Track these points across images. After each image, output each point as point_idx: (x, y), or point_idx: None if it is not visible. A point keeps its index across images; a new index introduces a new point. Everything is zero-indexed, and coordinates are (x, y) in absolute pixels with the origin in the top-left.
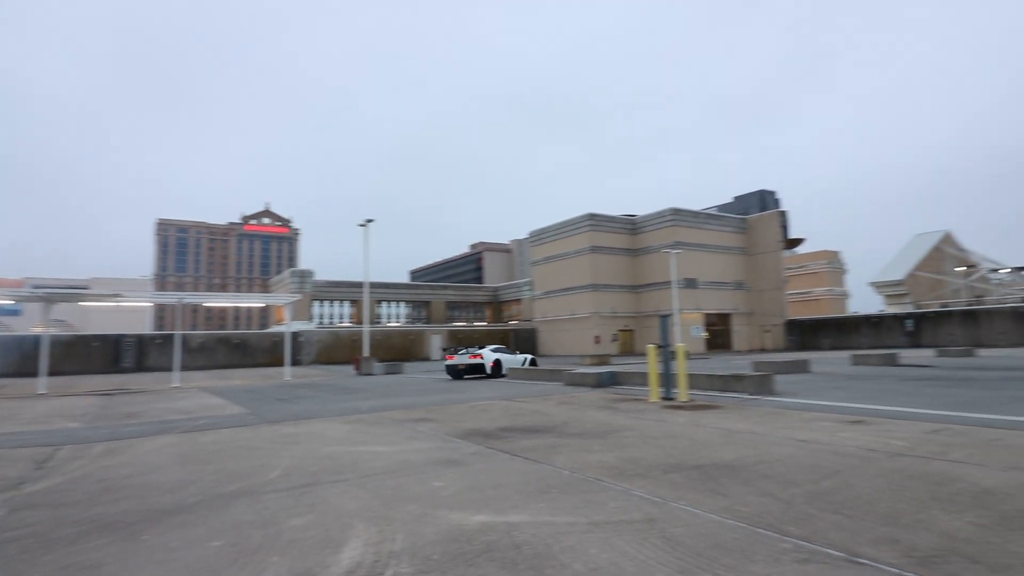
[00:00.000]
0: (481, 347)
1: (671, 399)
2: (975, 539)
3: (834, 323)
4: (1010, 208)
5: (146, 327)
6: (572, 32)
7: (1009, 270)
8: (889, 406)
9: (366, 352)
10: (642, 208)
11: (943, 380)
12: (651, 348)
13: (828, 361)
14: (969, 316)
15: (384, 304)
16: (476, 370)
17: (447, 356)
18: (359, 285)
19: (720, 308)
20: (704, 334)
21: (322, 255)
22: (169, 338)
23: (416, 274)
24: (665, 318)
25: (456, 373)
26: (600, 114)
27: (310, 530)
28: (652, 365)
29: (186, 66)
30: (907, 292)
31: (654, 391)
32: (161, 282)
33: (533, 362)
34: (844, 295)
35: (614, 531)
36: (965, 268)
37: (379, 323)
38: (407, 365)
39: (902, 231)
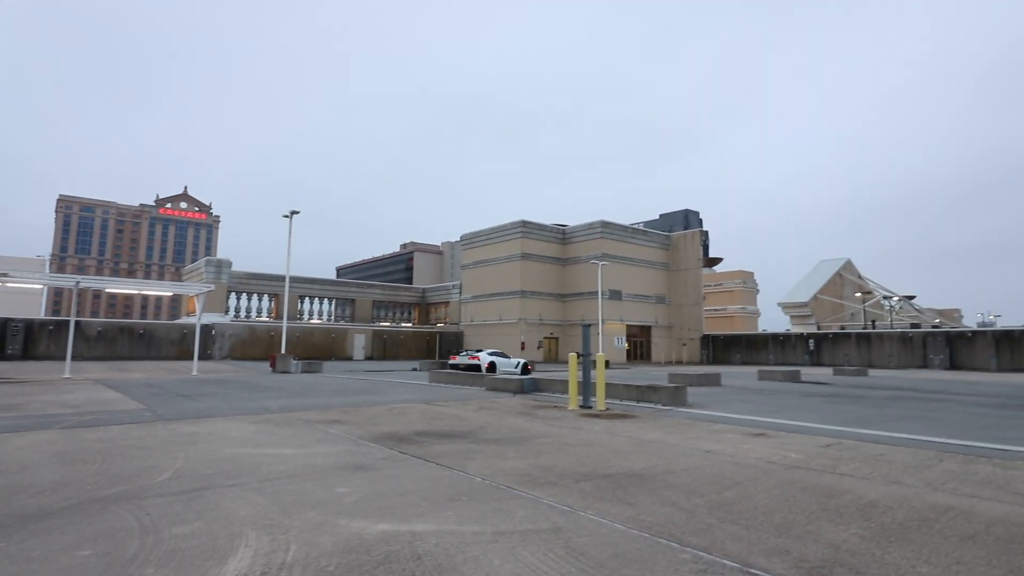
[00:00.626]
0: (479, 350)
1: (589, 407)
2: (858, 550)
3: (745, 340)
4: (902, 238)
5: (40, 312)
6: (520, 45)
7: (899, 298)
8: (789, 420)
9: (283, 349)
10: (571, 220)
11: (838, 397)
12: (572, 356)
13: (738, 375)
14: (863, 339)
15: (307, 300)
16: (474, 369)
17: (451, 356)
18: (280, 278)
19: (642, 320)
20: (626, 345)
21: (243, 246)
22: (63, 324)
23: (343, 271)
24: (587, 327)
25: (464, 369)
26: (538, 127)
27: (195, 539)
28: (572, 373)
29: (109, 44)
30: (811, 314)
31: (573, 399)
32: (60, 264)
33: (527, 366)
34: (755, 313)
35: (520, 541)
36: (862, 294)
37: (300, 319)
38: (327, 364)
39: (811, 255)
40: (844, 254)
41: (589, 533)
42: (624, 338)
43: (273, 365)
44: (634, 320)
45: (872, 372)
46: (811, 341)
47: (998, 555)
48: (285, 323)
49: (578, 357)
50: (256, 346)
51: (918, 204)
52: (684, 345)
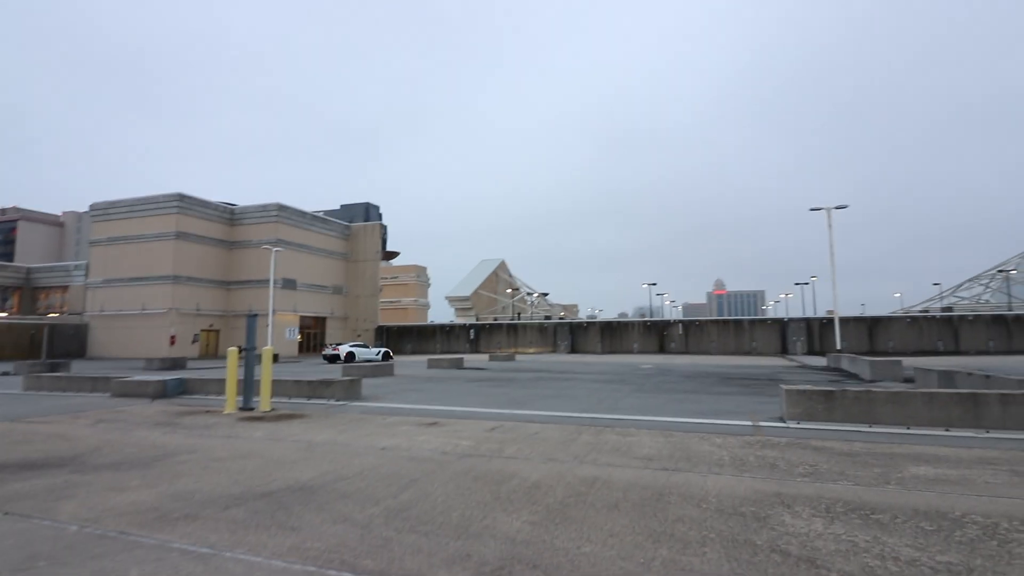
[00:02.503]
0: (340, 343)
1: (251, 409)
2: (532, 539)
3: (416, 330)
4: (541, 245)
5: None
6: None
7: (537, 294)
8: (458, 407)
9: None
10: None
11: (495, 381)
12: (232, 352)
13: (410, 364)
14: (512, 328)
15: None
16: (333, 360)
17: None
18: None
19: (317, 311)
20: (298, 337)
21: None
22: None
23: None
24: (252, 318)
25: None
26: (220, 105)
27: None
28: (231, 371)
29: None
30: (472, 306)
31: (231, 401)
32: None
33: (387, 355)
34: (427, 305)
35: None
36: (511, 291)
37: None
38: None
39: (474, 256)
40: (500, 255)
41: None
42: (297, 329)
43: None
44: (309, 311)
45: (519, 357)
46: (472, 331)
47: (638, 520)
48: None
49: (240, 352)
50: None
51: (551, 220)
52: (359, 336)
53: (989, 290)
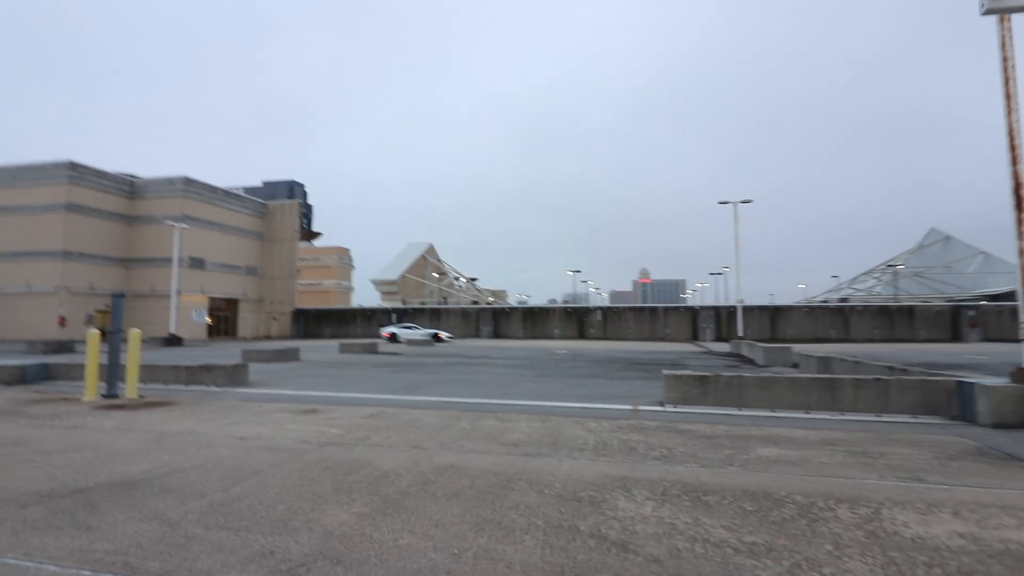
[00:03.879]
0: (387, 325)
1: (116, 397)
2: (350, 533)
3: (336, 314)
4: (469, 229)
5: None
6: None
7: (465, 279)
8: (348, 392)
9: None
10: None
11: (402, 366)
12: (93, 334)
13: (322, 349)
14: (435, 313)
15: None
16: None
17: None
18: None
19: (229, 293)
20: (207, 320)
21: None
22: None
23: None
24: (118, 298)
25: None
26: (138, 77)
27: None
28: (91, 355)
29: None
30: (398, 291)
31: (91, 387)
32: None
33: (435, 336)
34: (350, 288)
35: None
36: (438, 275)
37: None
38: None
39: (403, 239)
40: (428, 240)
41: None
42: (205, 312)
43: None
44: (219, 292)
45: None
46: (394, 315)
47: (472, 509)
48: None
49: (103, 335)
50: None
51: (477, 207)
52: (275, 319)
53: (880, 283)
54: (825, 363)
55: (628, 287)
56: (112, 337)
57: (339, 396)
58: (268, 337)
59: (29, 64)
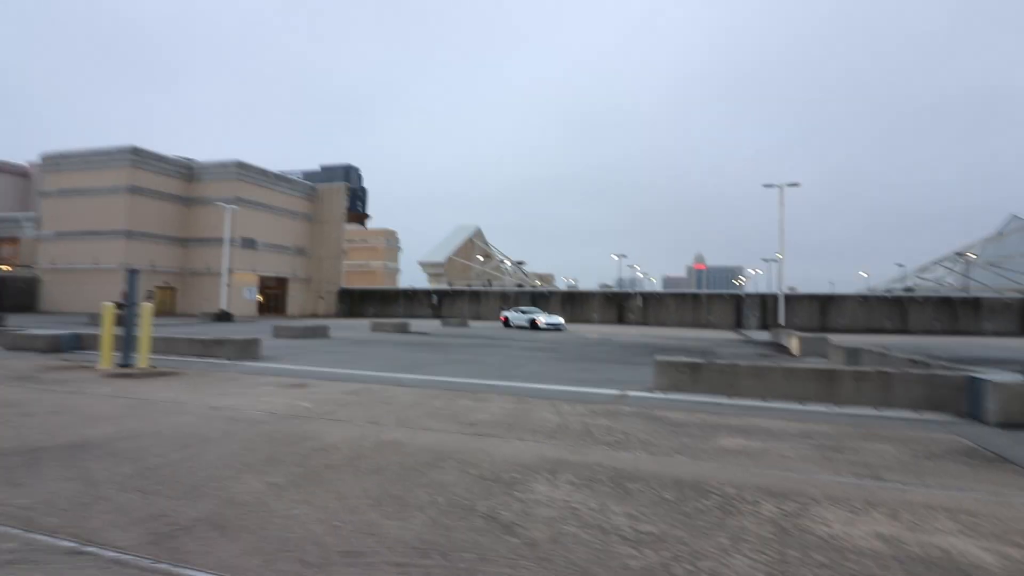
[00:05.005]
0: (504, 310)
1: (128, 366)
2: (250, 502)
3: (379, 294)
4: (523, 215)
5: None
6: None
7: (511, 263)
8: (350, 369)
9: None
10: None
11: (423, 345)
12: (107, 307)
13: (356, 327)
14: (474, 295)
15: None
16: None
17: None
18: None
19: (278, 272)
20: (258, 297)
21: None
22: None
23: None
24: (133, 274)
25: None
26: (209, 76)
27: None
28: (106, 327)
29: None
30: (444, 273)
31: (106, 357)
32: None
33: (533, 323)
34: (396, 270)
35: None
36: (483, 258)
37: None
38: None
39: (454, 221)
40: (477, 223)
41: None
42: (256, 289)
43: None
44: (269, 271)
45: (477, 324)
46: (435, 296)
47: (385, 484)
48: None
49: (118, 307)
50: None
51: (527, 192)
52: (322, 298)
53: (951, 272)
54: (854, 354)
55: (682, 273)
56: (128, 311)
57: (338, 372)
58: (315, 315)
59: (107, 61)
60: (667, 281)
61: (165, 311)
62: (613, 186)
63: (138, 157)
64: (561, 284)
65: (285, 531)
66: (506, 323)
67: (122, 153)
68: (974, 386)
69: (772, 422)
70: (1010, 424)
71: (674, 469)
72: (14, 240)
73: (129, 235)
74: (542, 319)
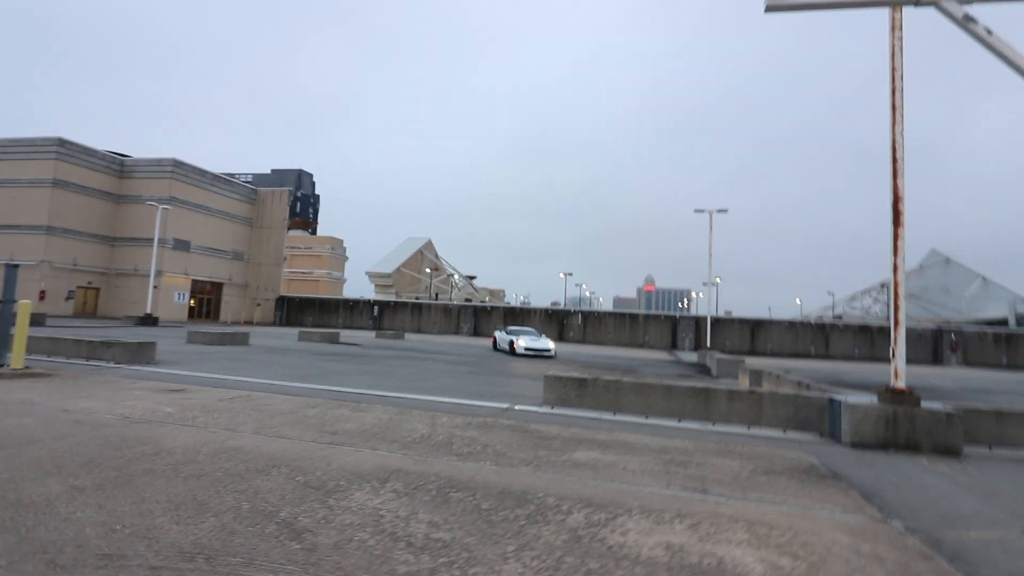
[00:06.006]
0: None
1: (1, 366)
2: (41, 503)
3: (319, 303)
4: (471, 230)
5: None
6: None
7: (461, 276)
8: (246, 377)
9: None
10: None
11: (341, 356)
12: None
13: (283, 336)
14: (416, 308)
15: None
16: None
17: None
18: None
19: (213, 276)
20: (189, 302)
21: None
22: None
23: None
24: (12, 269)
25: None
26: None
27: None
28: None
29: None
30: (392, 284)
31: None
32: None
33: (511, 345)
34: (341, 279)
35: None
36: (430, 271)
37: None
38: None
39: (402, 235)
40: (428, 235)
41: None
42: (187, 294)
43: None
44: (203, 275)
45: (416, 337)
46: (375, 308)
47: (197, 490)
48: None
49: None
50: None
51: (486, 208)
52: (259, 305)
53: (877, 302)
54: (757, 375)
55: (632, 294)
56: (3, 308)
57: (228, 379)
58: (249, 322)
59: (52, 59)
60: (617, 301)
61: (87, 312)
62: (562, 208)
63: (64, 149)
64: (513, 300)
65: (55, 533)
66: (494, 345)
67: (47, 144)
68: (832, 407)
69: (638, 437)
70: (861, 444)
71: (510, 480)
72: None
73: (50, 230)
74: (521, 343)
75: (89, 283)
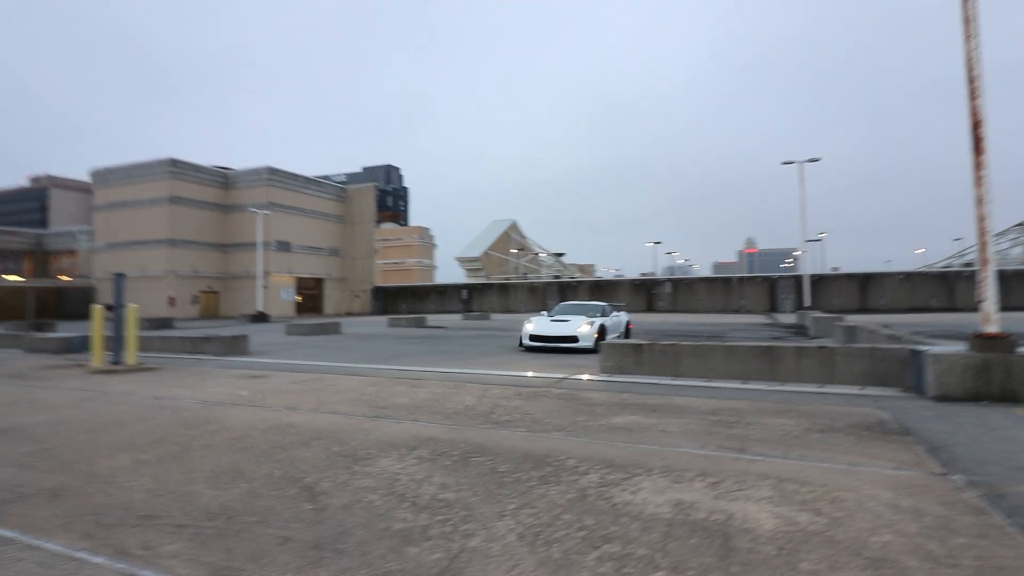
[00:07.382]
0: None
1: (118, 363)
2: (105, 475)
3: (411, 290)
4: (562, 208)
5: None
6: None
7: (548, 255)
8: (326, 361)
9: None
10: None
11: (423, 338)
12: (97, 309)
13: (375, 323)
14: (503, 288)
15: None
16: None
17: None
18: None
19: (314, 273)
20: (295, 298)
21: None
22: None
23: None
24: (120, 278)
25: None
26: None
27: None
28: (96, 328)
29: None
30: (481, 267)
31: (97, 355)
32: None
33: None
34: (431, 266)
35: None
36: (518, 251)
37: None
38: None
39: (491, 217)
40: (514, 217)
41: None
42: (292, 291)
43: None
44: (305, 272)
45: (501, 316)
46: (464, 291)
47: (243, 461)
48: None
49: (108, 309)
50: None
51: (569, 186)
52: (357, 297)
53: (1018, 244)
54: (851, 331)
55: (732, 258)
56: (117, 312)
57: (306, 364)
58: (350, 313)
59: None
60: (717, 267)
61: (209, 314)
62: (647, 175)
63: (176, 168)
64: (605, 274)
65: (109, 498)
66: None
67: (162, 165)
68: (916, 359)
69: (690, 400)
70: (946, 397)
71: (535, 444)
72: (72, 252)
73: (172, 243)
74: (529, 328)
75: (209, 287)
